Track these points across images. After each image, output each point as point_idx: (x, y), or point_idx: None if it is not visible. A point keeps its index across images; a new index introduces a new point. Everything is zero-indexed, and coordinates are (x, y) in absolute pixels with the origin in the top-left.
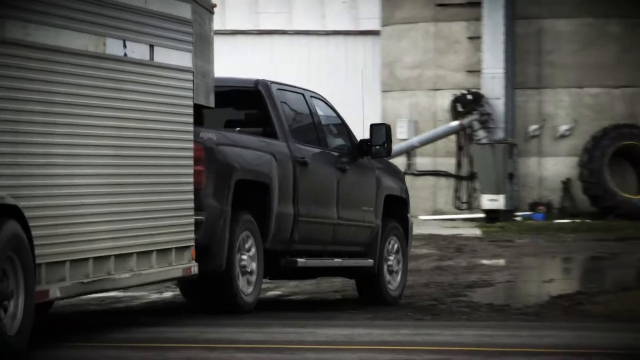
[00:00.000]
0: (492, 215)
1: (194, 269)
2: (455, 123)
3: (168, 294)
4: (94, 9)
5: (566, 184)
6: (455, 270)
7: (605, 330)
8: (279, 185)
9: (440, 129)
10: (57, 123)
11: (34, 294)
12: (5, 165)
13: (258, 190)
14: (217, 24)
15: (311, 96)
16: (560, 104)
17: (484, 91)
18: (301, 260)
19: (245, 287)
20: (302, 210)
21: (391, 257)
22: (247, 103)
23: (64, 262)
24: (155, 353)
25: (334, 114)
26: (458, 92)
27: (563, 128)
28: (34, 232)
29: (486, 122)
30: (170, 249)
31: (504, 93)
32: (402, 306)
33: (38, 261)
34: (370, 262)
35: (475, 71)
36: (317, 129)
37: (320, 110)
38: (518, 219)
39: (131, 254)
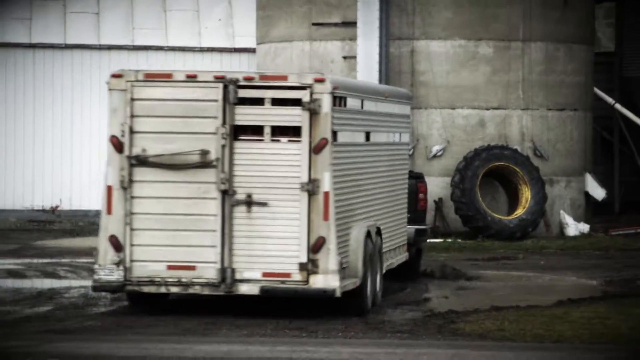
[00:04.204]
0: None
1: (406, 257)
2: None
3: (42, 309)
4: (387, 119)
5: (438, 204)
6: None
7: (478, 349)
8: None
9: None
10: (382, 181)
11: (382, 272)
12: (373, 209)
13: None
14: (92, 39)
15: None
16: (433, 124)
17: None
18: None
19: None
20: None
21: None
22: None
23: (385, 251)
24: None
25: None
26: None
27: (436, 148)
28: (383, 240)
29: None
30: (401, 246)
31: None
32: (279, 321)
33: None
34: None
35: None
36: None
37: None
38: None
39: (394, 248)
